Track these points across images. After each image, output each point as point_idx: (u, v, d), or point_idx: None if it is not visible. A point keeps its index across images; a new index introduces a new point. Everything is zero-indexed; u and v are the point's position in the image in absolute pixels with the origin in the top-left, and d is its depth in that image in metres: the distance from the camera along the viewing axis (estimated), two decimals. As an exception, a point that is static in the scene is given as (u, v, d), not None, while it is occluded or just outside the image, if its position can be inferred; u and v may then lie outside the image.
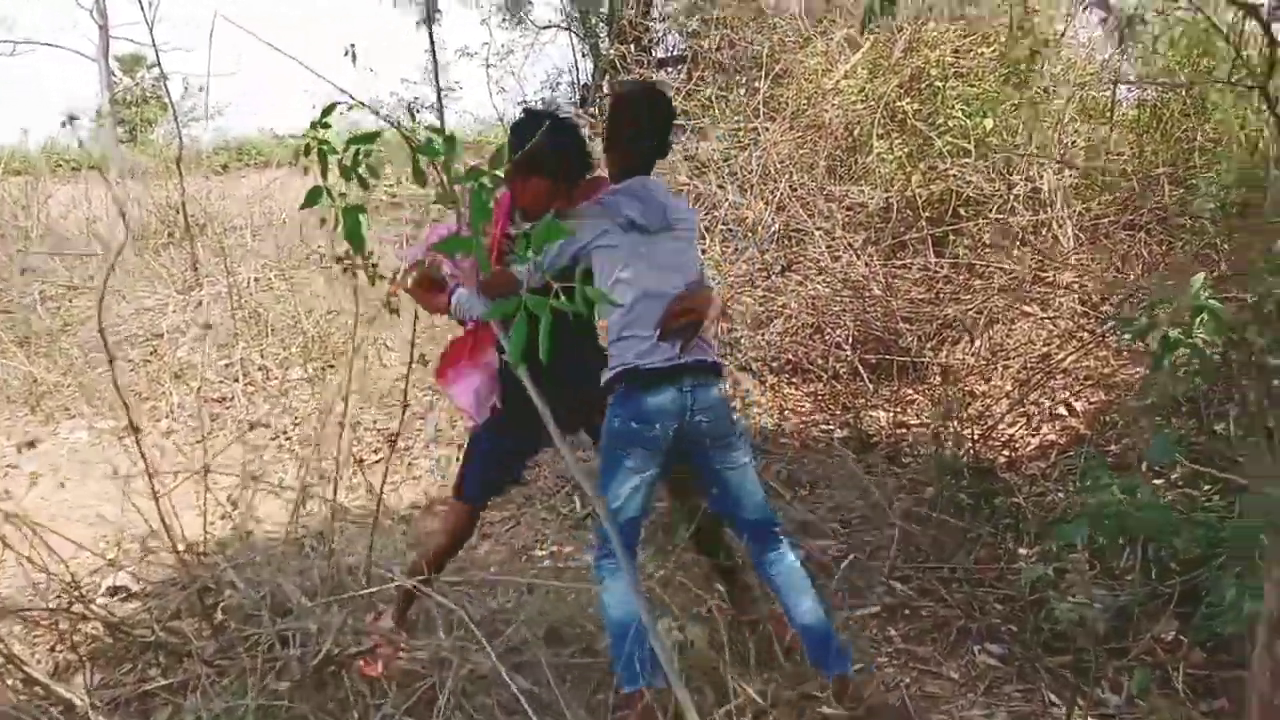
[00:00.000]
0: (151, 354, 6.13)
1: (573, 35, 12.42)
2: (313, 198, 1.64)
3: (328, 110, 1.69)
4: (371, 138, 1.65)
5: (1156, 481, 3.20)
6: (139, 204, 8.99)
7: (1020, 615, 2.93)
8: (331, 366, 5.75)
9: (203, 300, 6.62)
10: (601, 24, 12.11)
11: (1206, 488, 2.92)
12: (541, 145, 2.23)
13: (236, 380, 5.59)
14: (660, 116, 2.59)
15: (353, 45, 5.82)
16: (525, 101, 12.00)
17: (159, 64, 7.85)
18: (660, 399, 2.39)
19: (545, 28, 12.78)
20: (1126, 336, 2.71)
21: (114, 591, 3.19)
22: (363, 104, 1.73)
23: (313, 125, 1.69)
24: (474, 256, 2.52)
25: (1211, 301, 2.04)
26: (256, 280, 6.78)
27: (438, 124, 10.99)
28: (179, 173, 7.58)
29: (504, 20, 12.89)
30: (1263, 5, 3.22)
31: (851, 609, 3.08)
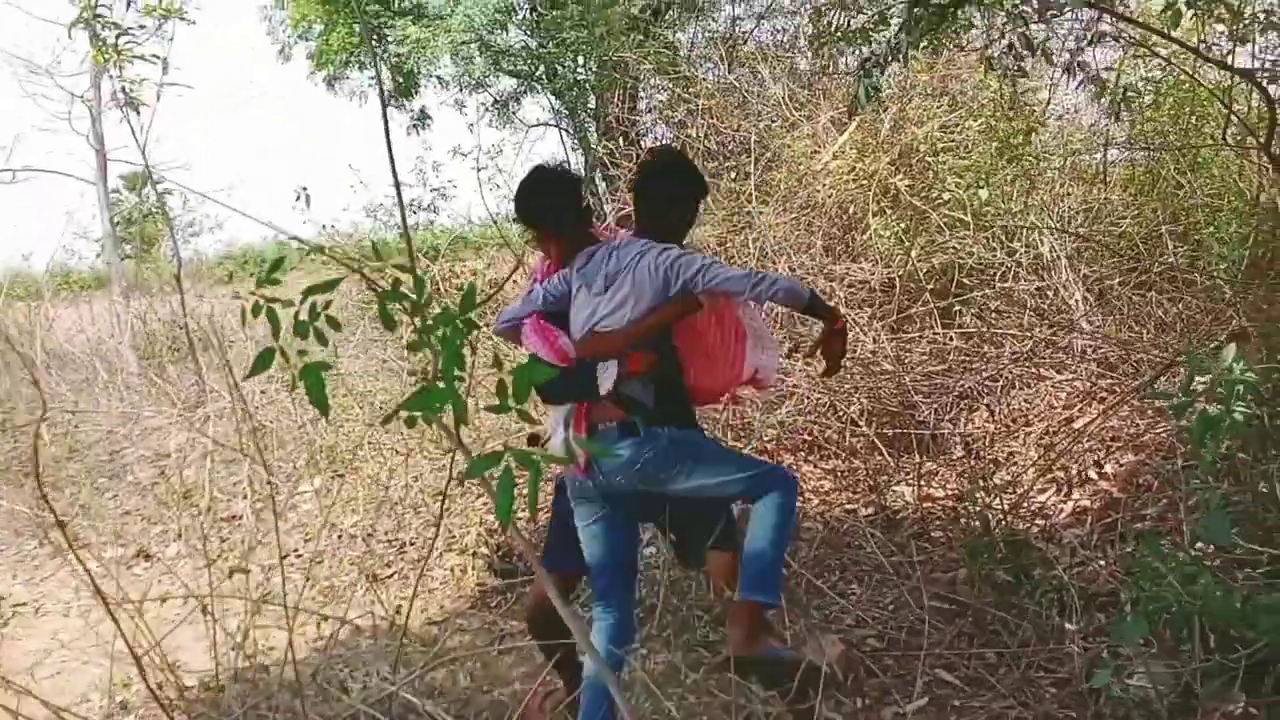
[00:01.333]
0: (160, 475, 6.04)
1: (562, 131, 12.63)
2: (262, 362, 1.43)
3: (275, 265, 1.52)
4: (330, 286, 1.46)
5: (1200, 549, 3.09)
6: (143, 321, 9.04)
7: (1079, 699, 2.79)
8: (340, 476, 5.66)
9: (209, 416, 6.56)
10: (589, 119, 12.32)
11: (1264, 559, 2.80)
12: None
13: (244, 497, 5.49)
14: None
15: (305, 189, 5.77)
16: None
17: (153, 186, 7.97)
18: None
19: (534, 126, 13.01)
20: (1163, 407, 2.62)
21: (126, 736, 3.05)
22: (320, 249, 1.62)
23: (259, 283, 1.51)
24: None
25: (1249, 374, 1.98)
26: (262, 393, 6.74)
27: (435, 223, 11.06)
28: (179, 288, 7.63)
29: (492, 121, 13.13)
30: (1257, 71, 3.24)
31: (900, 703, 2.94)
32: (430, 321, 1.30)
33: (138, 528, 5.40)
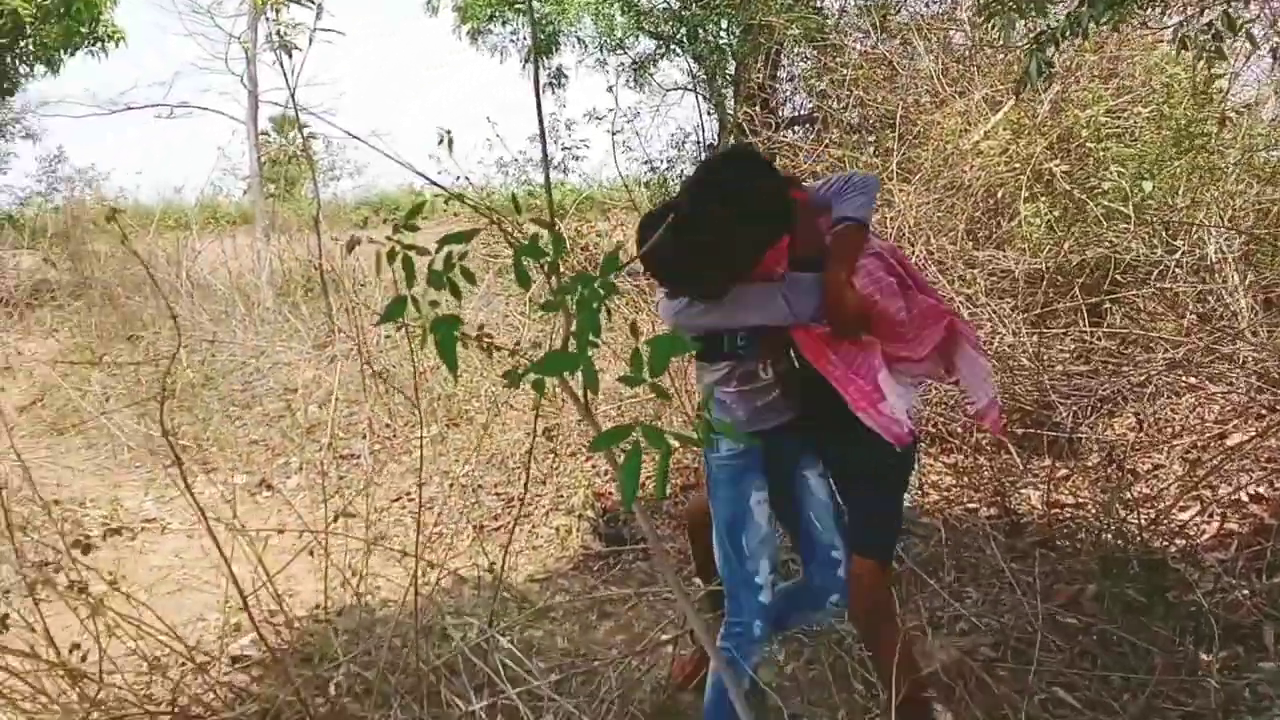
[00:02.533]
0: (286, 409, 6.26)
1: (698, 96, 12.46)
2: (394, 310, 1.39)
3: (414, 210, 1.48)
4: (468, 236, 1.41)
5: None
6: (281, 259, 9.38)
7: (1212, 738, 2.58)
8: (455, 425, 5.75)
9: (335, 356, 6.76)
10: (728, 85, 12.11)
11: None
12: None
13: (364, 437, 5.64)
14: None
15: (448, 132, 5.73)
16: (650, 161, 12.10)
17: (299, 129, 8.22)
18: None
19: (671, 89, 12.87)
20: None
21: (235, 660, 3.15)
22: (460, 197, 1.55)
23: (396, 229, 1.47)
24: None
25: None
26: (387, 337, 6.89)
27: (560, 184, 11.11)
28: (316, 230, 7.86)
29: (629, 82, 13.05)
30: None
31: (1013, 718, 2.78)
32: (567, 282, 1.22)
33: (263, 458, 5.61)
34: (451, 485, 4.92)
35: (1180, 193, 5.18)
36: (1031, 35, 2.80)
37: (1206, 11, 2.56)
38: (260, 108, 10.56)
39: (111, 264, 9.48)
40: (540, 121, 1.46)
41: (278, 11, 9.04)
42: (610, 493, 4.63)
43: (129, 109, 10.69)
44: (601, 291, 1.18)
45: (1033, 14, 2.79)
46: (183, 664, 2.85)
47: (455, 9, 12.94)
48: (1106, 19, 2.61)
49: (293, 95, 7.87)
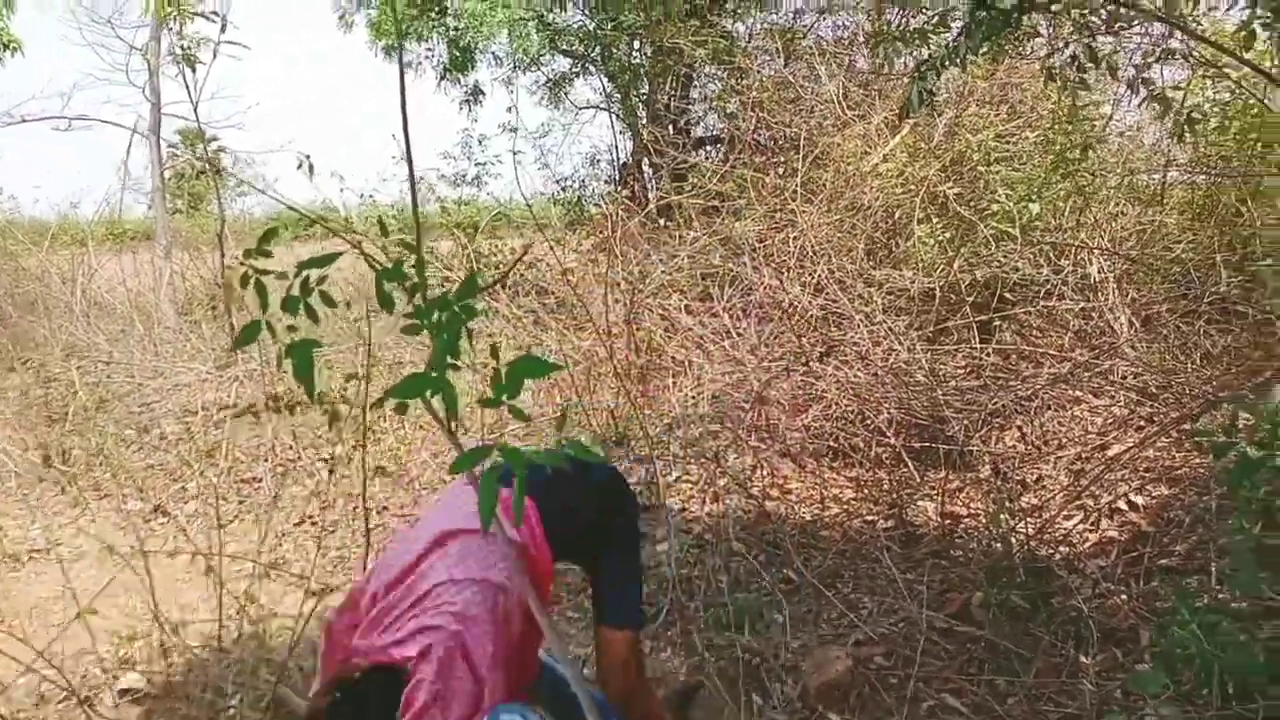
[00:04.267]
0: (185, 432, 6.08)
1: (612, 115, 12.53)
2: (247, 335, 1.35)
3: (266, 236, 1.46)
4: (328, 260, 1.38)
5: (1229, 593, 2.97)
6: (183, 276, 9.13)
7: (1086, 739, 2.70)
8: (362, 446, 5.65)
9: (238, 377, 6.61)
10: (641, 104, 12.21)
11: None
12: None
13: (266, 459, 5.52)
14: None
15: (308, 157, 5.68)
16: (561, 180, 12.13)
17: (203, 143, 8.05)
18: None
19: (584, 108, 12.92)
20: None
21: (123, 693, 3.05)
22: (321, 221, 1.56)
23: (247, 254, 1.45)
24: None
25: (1298, 416, 1.87)
26: (291, 357, 6.76)
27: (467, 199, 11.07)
28: (220, 247, 7.69)
29: (543, 100, 13.05)
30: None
31: (901, 728, 2.86)
32: (427, 305, 1.24)
33: (159, 483, 5.44)
34: (355, 507, 4.84)
35: (1065, 214, 5.43)
36: (917, 63, 2.92)
37: (1071, 45, 2.71)
38: (165, 122, 10.27)
39: (2, 280, 9.11)
40: (406, 139, 1.47)
41: (180, 25, 8.82)
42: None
43: (24, 121, 10.30)
44: (460, 314, 1.20)
45: (916, 44, 2.92)
46: (66, 698, 2.75)
47: (369, 24, 12.81)
48: (984, 50, 2.74)
49: (195, 109, 7.69)
